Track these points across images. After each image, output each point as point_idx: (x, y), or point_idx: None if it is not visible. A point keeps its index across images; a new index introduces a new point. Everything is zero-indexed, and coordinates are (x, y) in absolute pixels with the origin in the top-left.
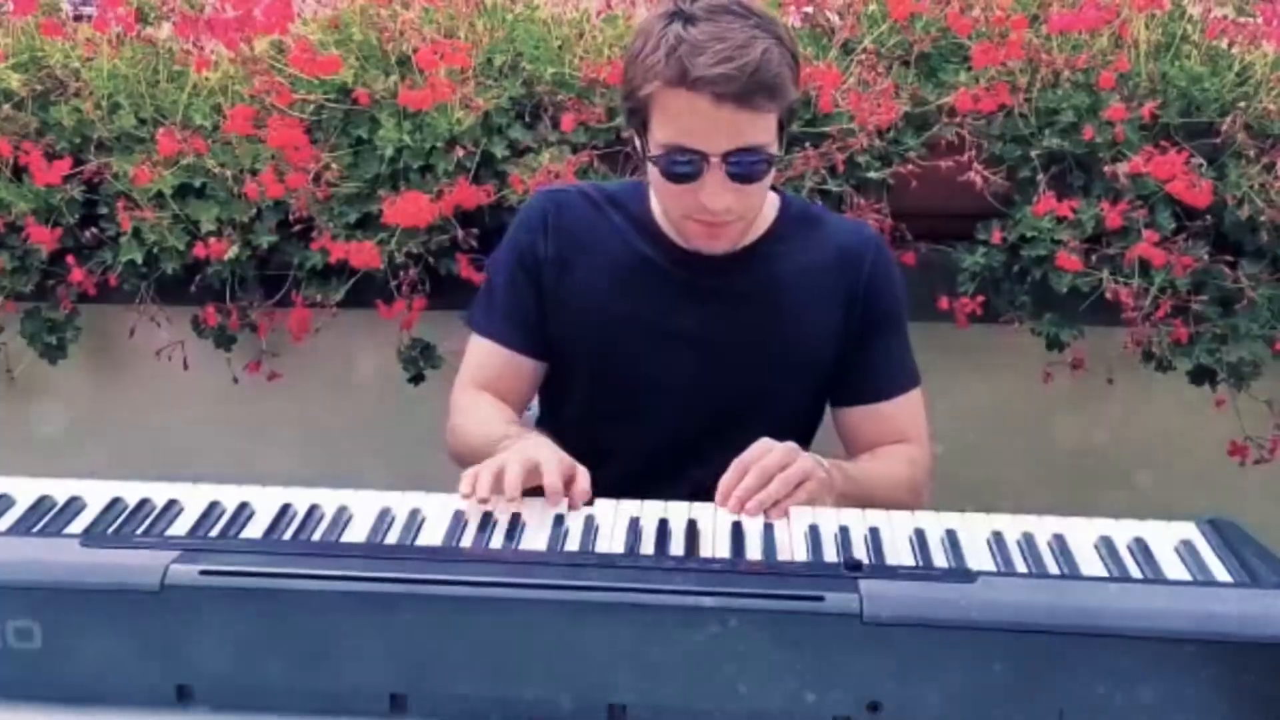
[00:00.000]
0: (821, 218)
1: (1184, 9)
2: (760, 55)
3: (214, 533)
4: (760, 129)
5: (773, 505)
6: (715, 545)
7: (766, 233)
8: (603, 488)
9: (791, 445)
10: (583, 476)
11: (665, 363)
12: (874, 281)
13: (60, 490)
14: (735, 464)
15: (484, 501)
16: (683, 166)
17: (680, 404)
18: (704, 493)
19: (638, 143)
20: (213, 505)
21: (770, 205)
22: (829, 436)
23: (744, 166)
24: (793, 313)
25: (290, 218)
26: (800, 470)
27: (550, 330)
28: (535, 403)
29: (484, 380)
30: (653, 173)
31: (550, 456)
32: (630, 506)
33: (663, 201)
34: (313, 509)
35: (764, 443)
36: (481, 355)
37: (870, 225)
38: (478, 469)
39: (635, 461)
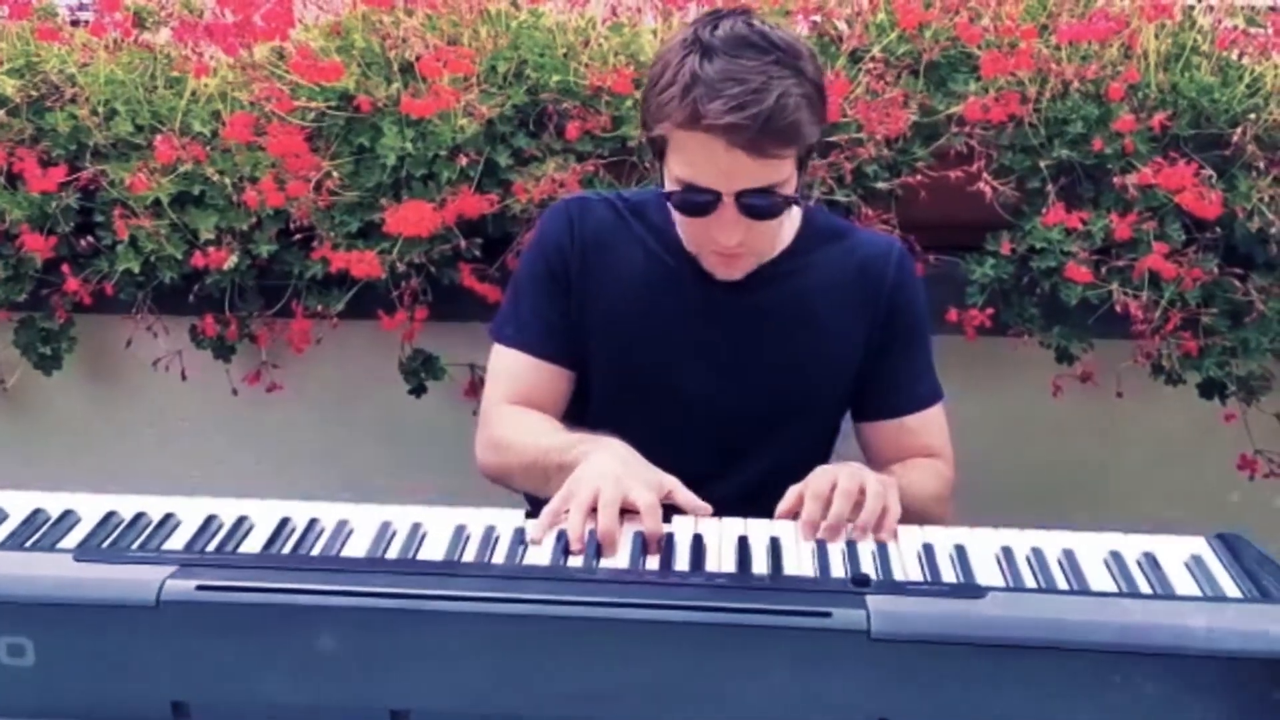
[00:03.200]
0: (845, 231)
1: (1194, 20)
2: (774, 102)
3: (211, 547)
4: (774, 171)
5: (876, 527)
6: (721, 560)
7: (789, 248)
8: None
9: (856, 465)
10: (679, 491)
11: (684, 376)
12: (896, 295)
13: (54, 503)
14: (809, 496)
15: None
16: (696, 202)
17: (699, 418)
18: (721, 507)
19: (658, 167)
20: (210, 519)
21: (793, 220)
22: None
23: (757, 205)
24: (814, 328)
25: (290, 226)
26: (879, 484)
27: (574, 336)
28: None
29: (517, 393)
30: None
31: (638, 486)
32: (635, 522)
33: (680, 230)
34: (312, 523)
35: (826, 470)
36: (512, 367)
37: (896, 239)
38: (559, 507)
39: None
